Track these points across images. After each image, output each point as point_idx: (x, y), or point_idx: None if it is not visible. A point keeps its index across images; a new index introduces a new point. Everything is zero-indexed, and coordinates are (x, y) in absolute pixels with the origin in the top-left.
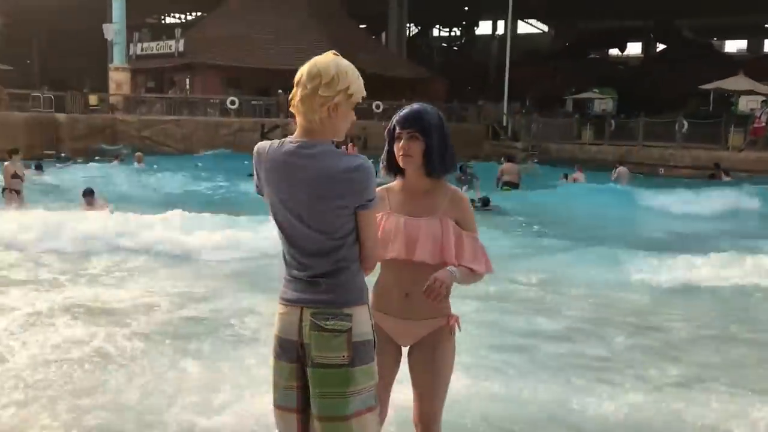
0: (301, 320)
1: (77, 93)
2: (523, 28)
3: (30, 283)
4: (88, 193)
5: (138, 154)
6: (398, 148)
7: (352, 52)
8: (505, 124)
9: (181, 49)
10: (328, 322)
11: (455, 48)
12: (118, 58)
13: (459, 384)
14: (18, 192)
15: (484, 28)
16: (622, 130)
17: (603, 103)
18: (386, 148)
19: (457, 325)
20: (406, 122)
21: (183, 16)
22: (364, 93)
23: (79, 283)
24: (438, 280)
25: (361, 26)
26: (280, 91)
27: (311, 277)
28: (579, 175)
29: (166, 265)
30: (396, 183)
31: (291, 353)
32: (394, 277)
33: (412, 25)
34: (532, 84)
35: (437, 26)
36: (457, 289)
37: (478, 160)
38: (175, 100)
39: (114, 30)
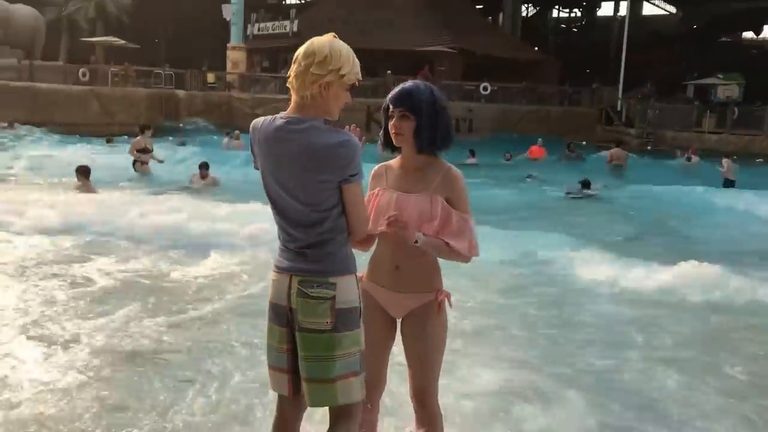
0: (289, 287)
1: (196, 71)
2: (649, 9)
3: None
4: (204, 167)
5: (236, 132)
6: (390, 126)
7: (466, 33)
8: (619, 108)
9: (295, 29)
10: (312, 290)
11: (575, 29)
12: (235, 37)
13: None
14: (144, 163)
15: (606, 8)
16: (748, 119)
17: (728, 89)
18: (383, 125)
19: (447, 301)
20: (397, 101)
21: None
22: (359, 76)
23: None
24: (400, 221)
25: (477, 7)
26: (389, 72)
27: (299, 248)
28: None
29: None
30: (395, 160)
31: (281, 318)
32: (386, 250)
33: (530, 6)
34: (653, 68)
35: (556, 7)
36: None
37: (589, 144)
38: (285, 80)
39: (232, 10)
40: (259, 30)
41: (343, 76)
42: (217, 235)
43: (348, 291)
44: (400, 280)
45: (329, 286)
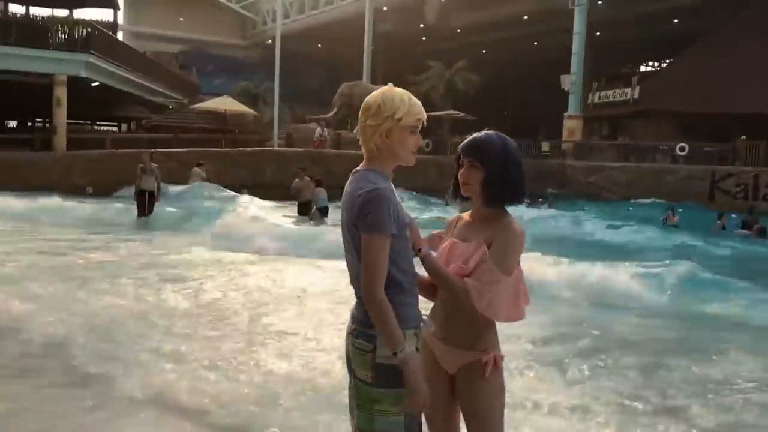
0: (348, 336)
1: (531, 140)
2: None
3: None
4: None
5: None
6: (459, 175)
7: None
8: None
9: (636, 96)
10: (357, 340)
11: None
12: (572, 106)
13: None
14: None
15: None
16: None
17: None
18: (455, 172)
19: (495, 365)
20: (467, 150)
21: (642, 67)
22: (420, 116)
23: None
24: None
25: None
26: (743, 137)
27: (357, 296)
28: None
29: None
30: (468, 212)
31: (348, 364)
32: (440, 300)
33: None
34: None
35: None
36: None
37: None
38: (623, 147)
39: (570, 81)
40: (599, 98)
41: (400, 119)
42: None
43: None
44: (449, 332)
45: (370, 338)
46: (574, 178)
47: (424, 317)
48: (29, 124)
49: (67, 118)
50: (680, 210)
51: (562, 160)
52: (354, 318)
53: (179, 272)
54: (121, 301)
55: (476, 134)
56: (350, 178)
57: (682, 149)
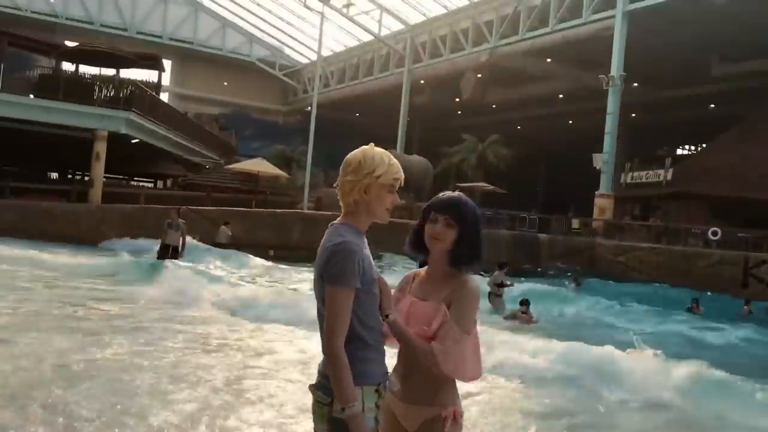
0: (310, 388)
1: (562, 216)
2: None
3: None
4: (524, 303)
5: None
6: (431, 230)
7: None
8: None
9: (669, 177)
10: (317, 392)
11: None
12: (604, 185)
13: None
14: (499, 296)
15: None
16: None
17: None
18: (416, 225)
19: (454, 419)
20: (445, 208)
21: (678, 150)
22: (397, 176)
23: None
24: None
25: None
26: None
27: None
28: None
29: None
30: (424, 269)
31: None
32: (401, 358)
33: None
34: None
35: None
36: None
37: None
38: (654, 228)
39: (602, 159)
40: (632, 179)
41: (378, 177)
42: None
43: None
44: (409, 390)
45: (328, 391)
46: (603, 257)
47: (390, 376)
48: (69, 176)
49: (106, 173)
50: (706, 296)
51: (591, 238)
52: (319, 371)
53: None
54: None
55: (450, 193)
56: (326, 231)
57: (714, 233)
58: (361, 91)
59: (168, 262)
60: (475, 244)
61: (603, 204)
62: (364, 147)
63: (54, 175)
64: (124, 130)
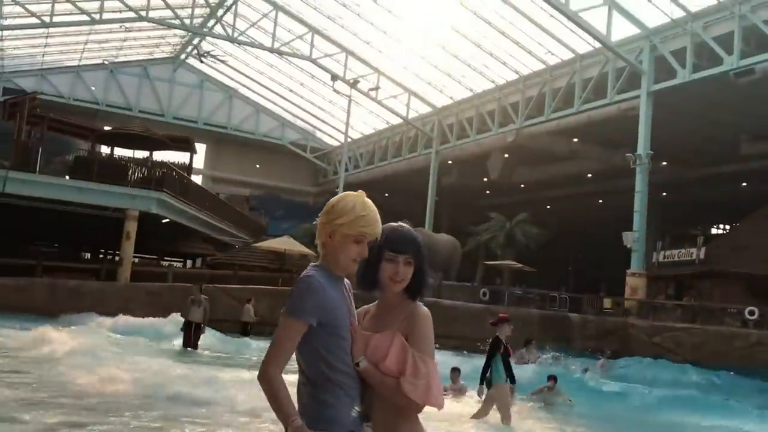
0: None
1: (593, 296)
2: None
3: None
4: (552, 378)
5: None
6: (394, 272)
7: None
8: None
9: (702, 256)
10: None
11: None
12: (635, 264)
13: None
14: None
15: None
16: None
17: None
18: (366, 263)
19: None
20: (405, 246)
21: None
22: (365, 229)
23: None
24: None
25: None
26: None
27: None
28: None
29: None
30: (375, 303)
31: None
32: (361, 397)
33: None
34: None
35: None
36: None
37: None
38: (689, 307)
39: (633, 238)
40: (663, 257)
41: (341, 225)
42: None
43: None
44: (373, 427)
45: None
46: (637, 338)
47: (366, 426)
48: (101, 255)
49: (136, 252)
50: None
51: (624, 319)
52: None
53: None
54: None
55: (398, 227)
56: None
57: (752, 313)
58: (390, 172)
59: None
60: (426, 271)
61: (635, 283)
62: (348, 192)
63: (87, 255)
64: (154, 210)
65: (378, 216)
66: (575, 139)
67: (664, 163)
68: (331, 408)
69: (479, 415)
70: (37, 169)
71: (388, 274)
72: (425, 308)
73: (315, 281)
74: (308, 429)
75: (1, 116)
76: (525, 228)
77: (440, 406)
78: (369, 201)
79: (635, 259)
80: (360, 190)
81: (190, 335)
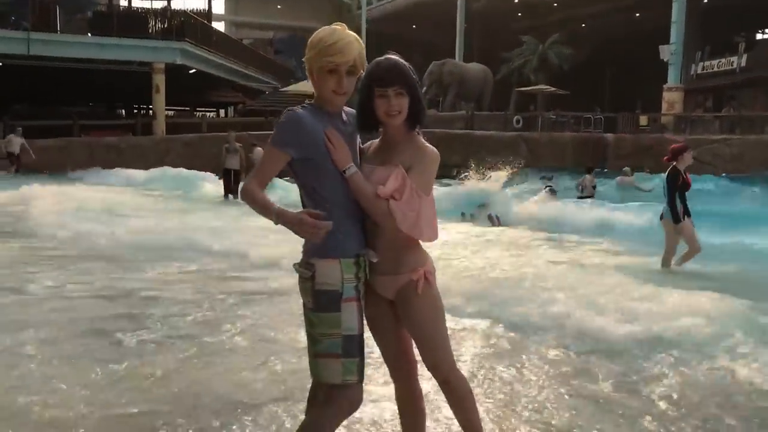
0: (294, 266)
1: (628, 114)
2: None
3: None
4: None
5: (625, 169)
6: (387, 107)
7: None
8: None
9: (743, 64)
10: (300, 269)
11: None
12: (672, 78)
13: None
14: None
15: None
16: None
17: None
18: (360, 106)
19: (426, 280)
20: (394, 79)
21: (758, 35)
22: (331, 59)
23: None
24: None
25: None
26: None
27: None
28: None
29: None
30: (378, 139)
31: None
32: (366, 232)
33: None
34: None
35: None
36: None
37: None
38: (728, 118)
39: (670, 51)
40: (703, 69)
41: (312, 57)
42: None
43: (325, 274)
44: (377, 262)
45: (308, 266)
46: None
47: (368, 251)
48: (135, 110)
49: (167, 105)
50: None
51: (660, 135)
52: (303, 250)
53: None
54: None
55: (381, 60)
56: None
57: None
58: (415, 1)
59: None
60: (422, 98)
61: (672, 98)
62: (326, 26)
63: (123, 112)
64: (179, 61)
65: (352, 42)
66: None
67: None
68: (337, 236)
69: (668, 254)
70: (58, 28)
71: (382, 110)
72: (433, 148)
73: (293, 115)
74: (289, 211)
75: None
76: (558, 49)
77: (428, 240)
78: (341, 29)
79: (672, 72)
80: (341, 23)
81: (229, 183)
